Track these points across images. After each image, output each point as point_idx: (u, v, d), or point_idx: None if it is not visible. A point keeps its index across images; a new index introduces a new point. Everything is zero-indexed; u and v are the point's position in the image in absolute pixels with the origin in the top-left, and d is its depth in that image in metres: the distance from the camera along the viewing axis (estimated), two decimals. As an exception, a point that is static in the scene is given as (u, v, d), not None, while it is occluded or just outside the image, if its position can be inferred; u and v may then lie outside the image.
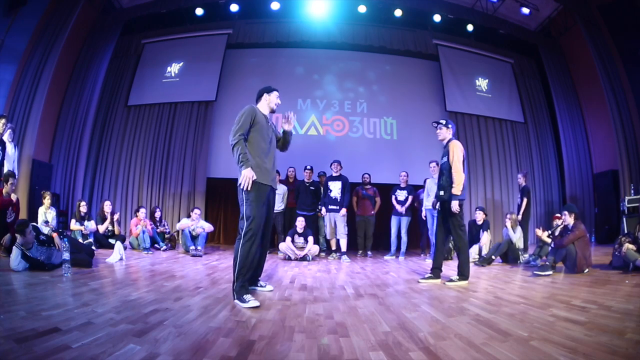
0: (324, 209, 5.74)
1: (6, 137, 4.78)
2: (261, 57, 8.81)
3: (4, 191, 4.28)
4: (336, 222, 5.63)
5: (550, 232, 4.65)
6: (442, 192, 3.35)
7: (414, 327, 1.85)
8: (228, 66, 8.55)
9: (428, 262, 5.24)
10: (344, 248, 5.63)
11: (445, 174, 3.38)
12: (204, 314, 2.02)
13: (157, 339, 1.57)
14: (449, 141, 3.47)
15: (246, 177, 2.49)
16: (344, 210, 5.63)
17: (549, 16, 9.19)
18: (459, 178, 3.29)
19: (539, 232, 4.57)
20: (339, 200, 5.66)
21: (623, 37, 7.76)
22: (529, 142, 9.17)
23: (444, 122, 3.58)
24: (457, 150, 3.35)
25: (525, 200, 5.83)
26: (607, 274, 3.78)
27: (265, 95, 2.87)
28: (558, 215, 5.00)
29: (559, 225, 4.44)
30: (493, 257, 4.90)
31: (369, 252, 6.21)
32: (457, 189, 3.28)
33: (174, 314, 1.99)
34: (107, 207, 5.69)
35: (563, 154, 8.94)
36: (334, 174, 5.83)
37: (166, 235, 6.21)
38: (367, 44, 8.92)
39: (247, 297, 2.32)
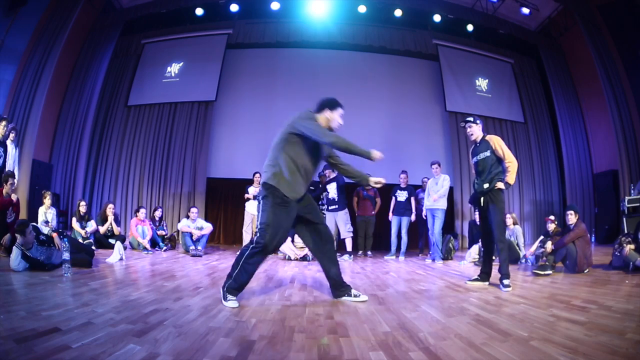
0: (324, 210, 5.84)
1: (9, 140, 4.78)
2: (261, 57, 8.81)
3: (4, 191, 4.28)
4: (337, 221, 5.69)
5: (544, 238, 4.62)
6: (486, 185, 3.16)
7: (414, 327, 1.85)
8: (228, 66, 8.55)
9: (428, 262, 5.24)
10: (349, 247, 5.70)
11: (489, 168, 3.20)
12: (204, 314, 2.02)
13: (157, 339, 1.57)
14: (483, 137, 3.29)
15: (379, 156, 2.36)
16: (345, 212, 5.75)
17: (549, 16, 9.20)
18: (514, 166, 3.14)
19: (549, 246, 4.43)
20: (336, 200, 5.76)
21: (623, 37, 7.76)
22: (529, 142, 9.18)
23: (472, 119, 3.34)
24: (501, 142, 3.20)
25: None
26: (607, 274, 3.78)
27: (327, 111, 2.43)
28: (551, 217, 4.97)
29: (554, 234, 4.43)
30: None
31: (369, 252, 6.22)
32: (511, 177, 3.12)
33: (174, 314, 1.99)
34: (110, 209, 5.67)
35: (563, 154, 8.95)
36: (330, 177, 5.93)
37: (165, 236, 6.20)
38: (367, 44, 8.93)
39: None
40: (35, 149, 6.75)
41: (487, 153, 3.20)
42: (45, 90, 6.85)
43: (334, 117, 2.43)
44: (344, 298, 2.49)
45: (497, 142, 3.19)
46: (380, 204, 6.43)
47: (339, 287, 2.51)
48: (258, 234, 2.30)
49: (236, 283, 2.29)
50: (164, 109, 8.51)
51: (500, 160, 3.19)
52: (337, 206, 5.74)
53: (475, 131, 3.29)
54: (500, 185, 3.12)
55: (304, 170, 2.37)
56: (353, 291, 2.50)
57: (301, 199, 2.40)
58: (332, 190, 5.82)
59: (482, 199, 3.22)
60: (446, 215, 5.47)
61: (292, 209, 2.35)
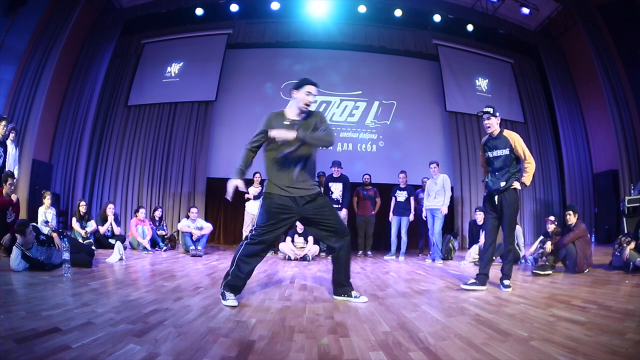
0: None
1: (9, 140, 4.79)
2: (261, 57, 8.81)
3: (3, 191, 4.28)
4: None
5: (544, 238, 4.61)
6: (503, 184, 3.05)
7: (414, 327, 1.85)
8: (228, 66, 8.55)
9: (428, 262, 5.25)
10: None
11: (506, 167, 3.09)
12: (204, 314, 2.02)
13: (157, 339, 1.57)
14: (501, 132, 3.16)
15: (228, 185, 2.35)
16: (344, 211, 5.71)
17: (549, 16, 9.20)
18: (533, 168, 3.08)
19: (548, 247, 4.26)
20: (340, 201, 5.76)
21: (623, 37, 7.76)
22: (529, 142, 9.16)
23: (491, 110, 3.17)
24: (521, 142, 3.10)
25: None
26: (607, 274, 3.78)
27: (294, 92, 2.44)
28: (551, 218, 4.98)
29: (554, 234, 4.43)
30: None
31: (369, 252, 6.22)
32: (528, 178, 3.07)
33: (174, 314, 1.99)
34: (110, 209, 5.67)
35: (563, 154, 8.95)
36: (335, 176, 5.90)
37: (165, 236, 6.20)
38: (367, 44, 8.92)
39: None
40: (35, 149, 6.75)
41: (506, 151, 3.09)
42: (45, 90, 6.85)
43: (299, 96, 2.41)
44: (343, 298, 2.50)
45: (517, 141, 3.09)
46: (380, 204, 6.44)
47: (341, 286, 2.53)
48: (254, 231, 2.38)
49: (234, 279, 2.32)
50: (164, 109, 8.50)
51: (518, 159, 3.12)
52: (339, 206, 5.79)
53: (494, 124, 3.17)
54: (516, 185, 3.04)
55: (281, 168, 2.38)
56: (354, 292, 2.51)
57: (308, 201, 2.40)
58: (336, 190, 5.83)
59: (496, 197, 3.12)
60: (446, 215, 5.47)
61: (288, 213, 2.38)
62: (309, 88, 2.40)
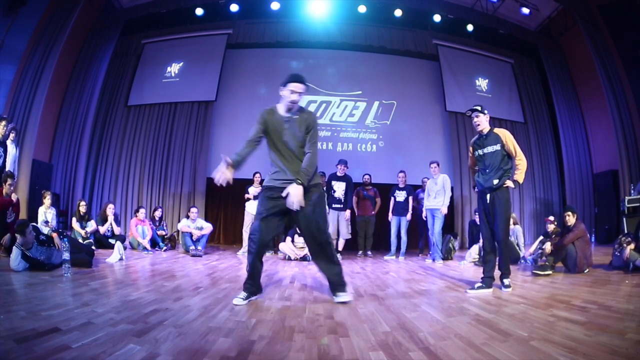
0: (327, 209, 5.84)
1: (9, 140, 4.79)
2: (261, 57, 8.81)
3: (3, 191, 4.28)
4: (339, 221, 5.75)
5: (544, 238, 4.60)
6: (495, 181, 3.00)
7: (414, 327, 1.85)
8: (228, 66, 8.55)
9: (428, 262, 5.24)
10: (340, 247, 5.77)
11: (498, 164, 3.05)
12: (204, 314, 2.02)
13: (157, 339, 1.57)
14: (490, 130, 3.12)
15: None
16: (348, 213, 5.72)
17: (549, 16, 9.20)
18: (524, 165, 3.04)
19: (548, 247, 4.23)
20: (342, 200, 5.78)
21: (623, 37, 7.76)
22: (529, 142, 9.17)
23: (479, 107, 3.12)
24: (512, 138, 3.06)
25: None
26: (607, 274, 3.79)
27: (280, 89, 2.42)
28: (550, 218, 4.97)
29: (553, 234, 4.43)
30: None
31: (369, 252, 6.22)
32: (521, 176, 3.02)
33: (174, 314, 1.99)
34: (110, 209, 5.67)
35: (563, 154, 8.95)
36: (339, 174, 5.87)
37: (165, 236, 6.20)
38: (367, 44, 8.92)
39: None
40: (35, 149, 6.75)
41: (497, 147, 3.04)
42: (45, 90, 6.85)
43: (284, 94, 2.40)
44: (333, 297, 2.47)
45: (508, 138, 3.05)
46: (380, 204, 6.44)
47: (332, 288, 2.50)
48: (252, 225, 2.49)
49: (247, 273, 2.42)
50: (164, 109, 8.50)
51: (509, 157, 3.07)
52: (342, 206, 5.76)
53: (483, 121, 3.12)
54: (509, 183, 3.00)
55: (274, 161, 2.46)
56: (340, 292, 2.44)
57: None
58: (339, 189, 5.80)
59: (488, 195, 3.06)
60: (446, 215, 5.47)
61: (278, 200, 2.36)
62: (293, 86, 2.37)
